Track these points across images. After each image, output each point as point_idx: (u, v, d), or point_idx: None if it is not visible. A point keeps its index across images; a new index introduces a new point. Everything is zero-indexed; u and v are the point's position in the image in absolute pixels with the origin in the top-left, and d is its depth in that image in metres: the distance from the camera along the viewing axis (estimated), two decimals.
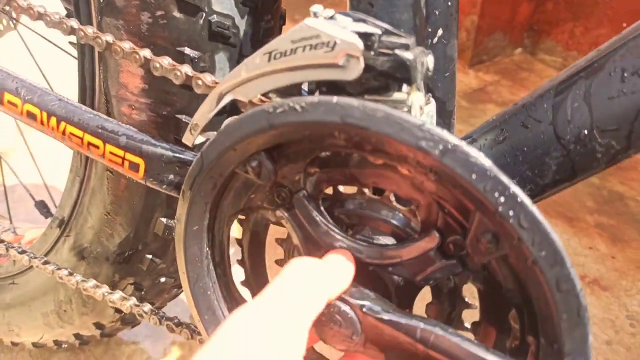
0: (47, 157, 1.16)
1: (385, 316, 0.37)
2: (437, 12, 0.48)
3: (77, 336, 0.81)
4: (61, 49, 0.74)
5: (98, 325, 0.77)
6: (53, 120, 0.51)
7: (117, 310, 0.72)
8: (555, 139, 0.40)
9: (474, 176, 0.31)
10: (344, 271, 0.38)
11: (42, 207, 0.86)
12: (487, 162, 0.31)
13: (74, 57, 0.62)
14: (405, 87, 0.37)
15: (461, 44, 1.93)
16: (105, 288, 0.63)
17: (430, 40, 0.49)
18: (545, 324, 0.33)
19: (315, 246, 0.42)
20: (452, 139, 0.31)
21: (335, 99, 0.34)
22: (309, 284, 0.34)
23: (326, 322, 0.39)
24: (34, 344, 0.89)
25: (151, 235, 0.62)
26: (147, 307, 0.60)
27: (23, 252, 0.70)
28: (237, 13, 0.50)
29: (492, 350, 0.34)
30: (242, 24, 0.50)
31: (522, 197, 0.30)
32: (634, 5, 1.61)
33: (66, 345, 0.90)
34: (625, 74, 0.37)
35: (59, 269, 0.66)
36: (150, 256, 0.64)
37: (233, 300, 0.50)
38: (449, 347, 0.35)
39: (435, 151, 0.32)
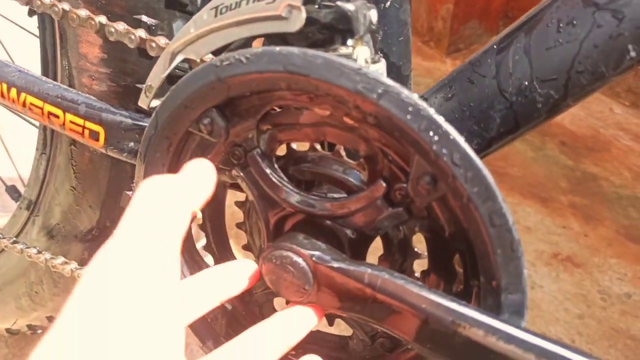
0: (17, 143, 1.16)
1: (335, 264, 0.38)
2: None
3: (50, 319, 0.81)
4: (22, 27, 0.74)
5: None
6: (13, 91, 0.52)
7: None
8: (499, 92, 0.42)
9: (408, 116, 0.32)
10: (201, 178, 0.37)
11: (14, 192, 0.86)
12: (421, 103, 0.32)
13: (36, 35, 0.62)
14: (350, 41, 0.39)
15: (438, 33, 1.95)
16: (73, 264, 0.64)
17: (382, 5, 0.50)
18: (483, 262, 0.34)
19: (270, 203, 0.43)
20: (388, 82, 0.32)
21: (278, 48, 0.35)
22: (163, 201, 0.32)
23: (280, 274, 0.40)
24: (8, 330, 0.89)
25: (119, 210, 0.63)
26: None
27: None
28: None
29: (433, 290, 0.35)
30: None
31: (455, 134, 0.32)
32: None
33: (41, 331, 0.90)
34: (561, 25, 0.39)
35: (27, 247, 0.66)
36: None
37: (196, 265, 0.51)
38: (394, 289, 0.36)
39: (373, 94, 0.33)
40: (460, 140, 0.32)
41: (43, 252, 0.65)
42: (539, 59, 0.40)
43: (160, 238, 0.31)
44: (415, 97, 0.32)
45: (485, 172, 0.32)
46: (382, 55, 0.48)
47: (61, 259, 0.64)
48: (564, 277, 1.21)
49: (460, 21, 1.92)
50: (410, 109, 0.32)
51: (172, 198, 0.33)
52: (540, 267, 1.23)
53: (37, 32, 0.72)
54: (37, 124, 0.67)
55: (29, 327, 0.85)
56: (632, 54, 0.37)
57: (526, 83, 0.40)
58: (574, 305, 1.15)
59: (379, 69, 0.44)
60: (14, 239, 0.68)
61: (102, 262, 0.30)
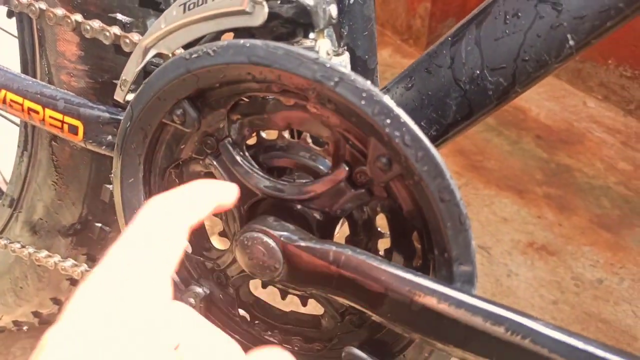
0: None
1: (302, 243, 0.41)
2: None
3: (35, 314, 0.83)
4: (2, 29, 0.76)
5: (55, 301, 0.78)
6: None
7: (72, 282, 0.74)
8: (454, 81, 0.45)
9: (363, 102, 0.35)
10: (201, 197, 0.37)
11: None
12: (374, 89, 0.35)
13: (14, 35, 0.64)
14: (312, 34, 0.41)
15: (416, 31, 1.99)
16: (57, 257, 0.65)
17: (347, 1, 0.53)
18: (436, 236, 0.37)
19: (243, 191, 0.45)
20: (343, 70, 0.35)
21: (242, 41, 0.37)
22: (161, 222, 0.33)
23: (252, 255, 0.43)
24: None
25: (99, 204, 0.65)
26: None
27: None
28: None
29: (392, 263, 0.38)
30: None
31: (405, 117, 0.34)
32: None
33: (27, 328, 0.91)
34: (507, 17, 0.42)
35: (11, 242, 0.68)
36: (99, 225, 0.67)
37: None
38: (357, 264, 0.39)
39: (330, 82, 0.35)
40: (410, 122, 0.34)
41: (27, 247, 0.67)
42: (488, 49, 0.43)
43: (153, 260, 0.31)
44: (368, 84, 0.35)
45: (434, 151, 0.35)
46: (347, 49, 0.51)
47: (45, 253, 0.65)
48: (539, 265, 1.25)
49: (437, 19, 1.96)
50: (364, 94, 0.35)
51: (170, 219, 0.34)
52: (517, 256, 1.27)
53: (15, 32, 0.74)
54: (19, 122, 0.69)
55: (15, 323, 0.86)
56: (571, 42, 0.40)
57: (478, 72, 0.43)
58: (549, 291, 1.18)
59: (342, 61, 0.47)
60: (1, 232, 0.70)
61: (95, 282, 0.30)
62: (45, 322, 0.88)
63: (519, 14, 0.41)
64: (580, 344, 0.32)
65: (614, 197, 1.46)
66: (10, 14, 0.83)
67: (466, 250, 0.36)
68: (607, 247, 1.30)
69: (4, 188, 0.93)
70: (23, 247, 0.67)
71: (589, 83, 1.81)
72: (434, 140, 0.45)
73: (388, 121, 0.35)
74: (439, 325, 0.36)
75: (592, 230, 1.35)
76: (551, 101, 1.81)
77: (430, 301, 0.35)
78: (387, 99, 0.34)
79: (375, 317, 0.40)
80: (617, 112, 1.75)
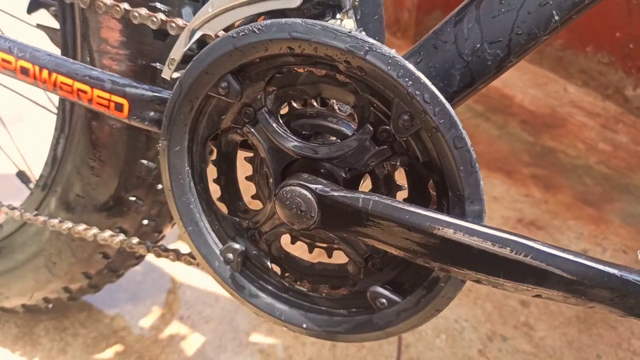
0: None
1: (335, 193, 0.48)
2: None
3: (66, 289, 0.88)
4: (23, 20, 0.81)
5: (86, 275, 0.84)
6: (45, 72, 0.59)
7: (105, 256, 0.80)
8: (458, 55, 0.52)
9: (389, 67, 0.42)
10: None
11: (23, 177, 0.93)
12: (398, 55, 0.42)
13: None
14: (338, 15, 0.48)
15: (404, 24, 2.07)
16: (95, 229, 0.72)
17: None
18: (450, 179, 0.44)
19: (278, 152, 0.52)
20: (372, 41, 0.42)
21: (284, 20, 0.44)
22: None
23: (290, 206, 0.49)
24: (24, 306, 0.96)
25: (134, 178, 0.71)
26: (135, 240, 0.69)
27: (14, 208, 0.78)
28: None
29: (413, 205, 0.45)
30: None
31: (424, 79, 0.42)
32: None
33: (52, 306, 0.97)
34: None
35: (50, 218, 0.74)
36: (133, 198, 0.73)
37: (212, 214, 0.60)
38: (383, 207, 0.46)
39: (361, 51, 0.42)
40: (429, 83, 0.42)
41: (65, 221, 0.73)
42: (487, 25, 0.50)
43: None
44: (393, 51, 0.42)
45: (448, 106, 0.42)
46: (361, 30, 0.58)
47: (83, 226, 0.71)
48: None
49: (424, 12, 2.05)
50: (390, 61, 0.42)
51: None
52: None
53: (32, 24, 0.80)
54: (54, 110, 0.75)
55: (45, 299, 0.92)
56: (556, 17, 0.48)
57: (478, 45, 0.51)
58: None
59: None
60: (36, 212, 0.76)
61: None
62: (73, 298, 0.93)
63: None
64: (571, 257, 0.39)
65: (595, 175, 1.55)
66: (30, 9, 0.89)
67: (476, 190, 0.43)
68: (591, 220, 1.39)
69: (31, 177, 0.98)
70: (61, 222, 0.73)
71: (569, 70, 1.91)
72: None
73: (410, 82, 0.42)
74: (455, 252, 0.43)
75: (576, 206, 1.44)
76: (534, 88, 1.90)
77: (448, 232, 0.43)
78: (409, 64, 0.42)
79: (398, 253, 0.47)
80: (596, 97, 1.85)
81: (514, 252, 0.40)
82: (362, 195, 0.47)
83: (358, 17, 0.61)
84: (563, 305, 1.17)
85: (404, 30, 2.09)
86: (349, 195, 0.47)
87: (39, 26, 0.81)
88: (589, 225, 1.38)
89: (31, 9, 0.90)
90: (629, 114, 1.78)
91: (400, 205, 0.45)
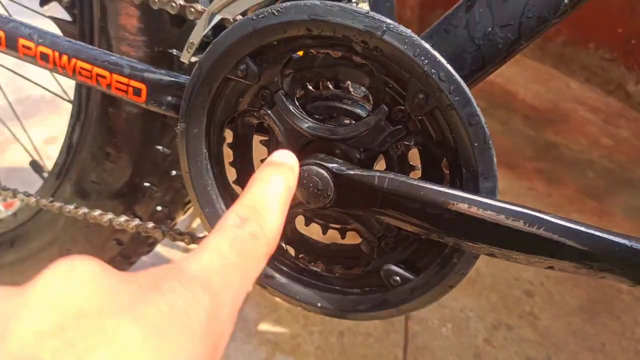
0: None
1: (351, 172, 0.49)
2: None
3: None
4: (34, 10, 0.83)
5: None
6: (64, 58, 0.61)
7: (119, 242, 0.82)
8: (469, 39, 0.53)
9: (405, 47, 0.43)
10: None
11: (37, 166, 0.94)
12: (414, 35, 0.43)
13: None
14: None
15: (407, 21, 2.09)
16: (110, 214, 0.73)
17: None
18: (464, 155, 0.46)
19: (294, 134, 0.54)
20: (389, 21, 0.44)
21: (302, 2, 0.46)
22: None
23: (307, 185, 0.51)
24: None
25: (148, 165, 0.73)
26: (150, 224, 0.71)
27: (29, 195, 0.79)
28: None
29: (428, 181, 0.46)
30: None
31: (440, 57, 0.43)
32: None
33: None
34: None
35: (66, 204, 0.75)
36: (148, 184, 0.74)
37: (229, 196, 0.61)
38: (398, 184, 0.47)
39: (378, 31, 0.44)
40: (444, 61, 0.43)
41: (80, 207, 0.74)
42: (498, 9, 0.51)
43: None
44: (409, 31, 0.44)
45: (463, 84, 0.43)
46: None
47: (99, 211, 0.73)
48: None
49: (427, 9, 2.06)
50: (406, 40, 0.43)
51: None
52: None
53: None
54: (71, 98, 0.76)
55: None
56: (566, 1, 0.49)
57: (490, 29, 0.52)
58: None
59: None
60: (52, 199, 0.77)
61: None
62: None
63: None
64: (582, 228, 0.40)
65: (598, 169, 1.57)
66: (42, 2, 0.91)
67: (490, 166, 0.45)
68: (594, 213, 1.41)
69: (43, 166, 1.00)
70: (77, 207, 0.75)
71: (571, 66, 1.92)
72: None
73: (426, 61, 0.43)
74: (470, 226, 0.44)
75: (579, 199, 1.45)
76: (537, 84, 1.92)
77: (462, 207, 0.44)
78: (425, 43, 0.43)
79: (413, 230, 0.48)
80: (599, 92, 1.86)
81: (527, 224, 0.42)
82: (378, 174, 0.48)
83: (370, 4, 0.62)
84: (567, 295, 1.19)
85: (407, 26, 2.10)
86: (365, 173, 0.49)
87: (52, 18, 0.83)
88: (592, 217, 1.39)
89: (43, 2, 0.92)
90: (631, 110, 1.79)
91: (416, 182, 0.47)
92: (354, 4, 0.49)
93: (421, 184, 0.46)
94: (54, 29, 0.79)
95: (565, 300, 1.17)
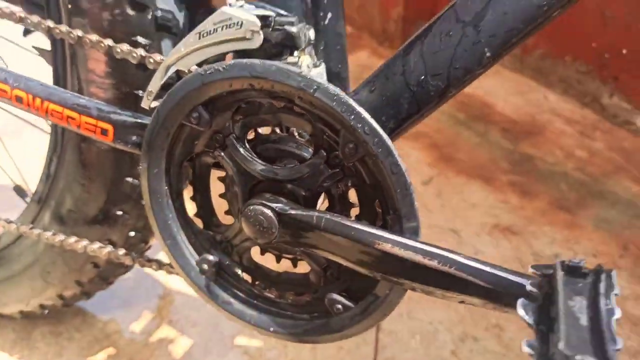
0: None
1: (293, 211, 0.54)
2: (325, 1, 0.65)
3: (60, 297, 0.95)
4: (20, 46, 0.88)
5: (79, 283, 0.91)
6: (38, 100, 0.66)
7: (95, 265, 0.87)
8: (406, 86, 0.58)
9: (334, 103, 0.48)
10: None
11: (20, 191, 0.99)
12: (342, 94, 0.48)
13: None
14: (296, 52, 0.54)
15: (390, 34, 2.14)
16: (85, 241, 0.78)
17: (322, 22, 0.66)
18: (389, 200, 0.51)
19: (245, 175, 0.59)
20: (320, 81, 0.48)
21: (245, 60, 0.51)
22: None
23: (254, 223, 0.56)
24: (21, 312, 1.02)
25: (120, 194, 0.77)
26: (122, 251, 0.75)
27: (10, 221, 0.84)
28: (177, 9, 0.66)
29: (358, 221, 0.51)
30: (181, 17, 0.66)
31: (364, 114, 0.48)
32: None
33: (48, 312, 1.03)
34: (442, 35, 0.55)
35: (45, 231, 0.80)
36: (120, 212, 0.79)
37: (189, 228, 0.66)
38: (333, 224, 0.52)
39: (310, 89, 0.49)
40: (368, 117, 0.48)
41: (57, 234, 0.79)
42: (429, 60, 0.56)
43: None
44: (338, 90, 0.48)
45: (385, 137, 0.48)
46: (323, 62, 0.65)
47: (74, 238, 0.78)
48: (503, 244, 1.39)
49: (410, 22, 2.11)
50: (335, 98, 0.48)
51: None
52: (483, 237, 1.41)
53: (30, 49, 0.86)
54: (48, 130, 0.81)
55: (41, 306, 0.98)
56: (488, 54, 0.54)
57: (423, 77, 0.57)
58: (510, 265, 1.33)
59: (320, 72, 0.60)
60: (32, 225, 0.82)
61: None
62: (67, 304, 1.00)
63: (451, 34, 0.55)
64: (487, 268, 0.45)
65: (571, 181, 1.61)
66: (25, 33, 0.95)
67: (411, 209, 0.50)
68: (565, 226, 1.45)
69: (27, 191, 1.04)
70: (54, 234, 0.80)
71: (549, 78, 1.97)
72: (392, 131, 0.58)
73: (352, 117, 0.48)
74: (393, 264, 0.49)
75: (551, 212, 1.50)
76: (516, 96, 1.96)
77: (386, 247, 0.49)
78: (352, 101, 0.48)
79: (348, 264, 0.53)
80: (575, 104, 1.91)
81: (441, 263, 0.47)
82: (316, 214, 0.53)
83: (322, 48, 0.67)
84: None
85: (391, 41, 2.15)
86: (304, 213, 0.54)
87: (35, 48, 0.88)
88: (562, 230, 1.44)
89: (26, 32, 0.97)
90: (605, 121, 1.84)
91: (348, 223, 0.51)
92: (296, 58, 0.54)
93: (352, 225, 0.51)
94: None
95: None
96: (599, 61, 1.80)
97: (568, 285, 0.37)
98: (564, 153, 1.72)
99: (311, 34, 0.55)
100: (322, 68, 0.60)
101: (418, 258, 0.47)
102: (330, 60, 0.68)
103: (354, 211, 0.59)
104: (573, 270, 0.38)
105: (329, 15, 0.66)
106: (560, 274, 0.38)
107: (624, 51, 1.72)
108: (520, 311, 0.36)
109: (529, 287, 0.39)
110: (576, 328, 0.32)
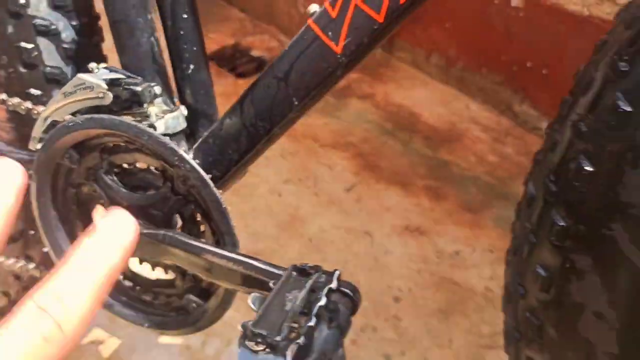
0: None
1: (144, 230, 0.69)
2: (187, 55, 0.79)
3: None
4: None
5: (5, 294, 1.04)
6: None
7: (16, 277, 1.00)
8: (242, 126, 0.73)
9: (162, 147, 0.63)
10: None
11: None
12: (168, 141, 0.62)
13: None
14: (145, 105, 0.69)
15: None
16: (2, 257, 0.91)
17: (186, 72, 0.80)
18: (213, 220, 0.65)
19: (113, 201, 0.73)
20: (150, 131, 0.63)
21: (97, 115, 0.65)
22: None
23: None
24: None
25: (30, 215, 0.91)
26: (32, 265, 0.89)
27: None
28: (64, 64, 0.80)
29: (190, 237, 0.66)
30: (68, 70, 0.80)
31: (186, 157, 0.62)
32: (456, 6, 2.00)
33: None
34: (264, 87, 0.70)
35: None
36: (32, 231, 0.93)
37: None
38: (172, 240, 0.67)
39: (144, 137, 0.63)
40: (189, 159, 0.62)
41: None
42: (258, 105, 0.71)
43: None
44: (167, 139, 0.63)
45: (203, 174, 0.63)
46: (189, 103, 0.79)
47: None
48: (411, 244, 1.55)
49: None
50: (163, 144, 0.63)
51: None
52: (393, 238, 1.57)
53: None
54: None
55: None
56: (296, 102, 0.68)
57: (254, 120, 0.71)
58: (415, 263, 1.49)
59: (175, 116, 0.74)
60: None
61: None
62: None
63: (269, 86, 0.69)
64: (255, 263, 0.60)
65: (480, 184, 1.78)
66: None
67: (228, 226, 0.64)
68: (468, 225, 1.62)
69: None
70: None
71: (471, 88, 2.13)
72: (229, 167, 0.72)
73: (176, 159, 0.63)
74: (216, 270, 0.64)
75: (458, 213, 1.66)
76: (440, 106, 2.12)
77: (207, 256, 0.64)
78: (175, 146, 0.62)
79: (191, 270, 0.68)
80: (493, 112, 2.08)
81: (244, 269, 0.61)
82: (162, 232, 0.68)
83: (188, 92, 0.82)
84: (429, 299, 1.39)
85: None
86: (153, 232, 0.68)
87: None
88: (465, 229, 1.60)
89: None
90: (518, 128, 2.01)
91: (183, 238, 0.66)
92: (144, 109, 0.68)
93: (183, 239, 0.66)
94: None
95: (427, 304, 1.37)
96: (509, 73, 1.96)
97: (292, 281, 0.51)
98: (477, 158, 1.88)
99: (157, 89, 0.69)
100: (178, 112, 0.74)
101: (229, 265, 0.62)
102: (197, 102, 0.82)
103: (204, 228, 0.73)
104: (301, 271, 0.53)
105: (192, 66, 0.80)
106: (288, 273, 0.53)
107: (529, 64, 1.89)
108: (249, 301, 0.51)
109: (271, 283, 0.54)
110: (277, 312, 0.47)
